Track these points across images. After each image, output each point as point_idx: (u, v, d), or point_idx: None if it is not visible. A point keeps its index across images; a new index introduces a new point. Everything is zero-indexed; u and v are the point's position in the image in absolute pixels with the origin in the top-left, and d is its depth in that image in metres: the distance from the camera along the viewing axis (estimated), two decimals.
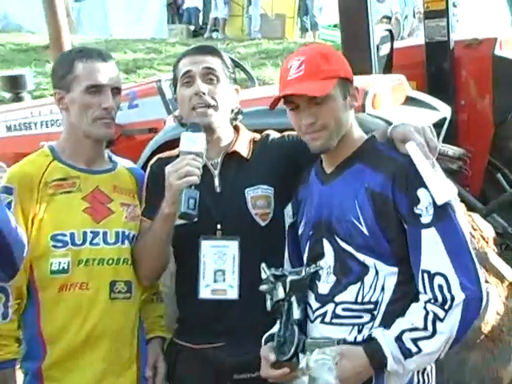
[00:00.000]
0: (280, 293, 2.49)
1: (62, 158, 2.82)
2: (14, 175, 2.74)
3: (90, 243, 2.75)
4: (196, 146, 2.63)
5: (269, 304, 2.52)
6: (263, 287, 2.52)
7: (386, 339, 2.32)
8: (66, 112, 2.84)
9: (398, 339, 2.30)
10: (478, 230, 3.50)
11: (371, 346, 2.34)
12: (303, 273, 2.51)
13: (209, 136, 2.71)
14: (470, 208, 3.65)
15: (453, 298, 2.28)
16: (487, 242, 3.52)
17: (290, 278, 2.49)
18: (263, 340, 2.60)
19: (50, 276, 2.71)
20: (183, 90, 2.78)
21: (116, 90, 2.82)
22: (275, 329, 2.55)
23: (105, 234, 2.78)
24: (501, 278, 3.47)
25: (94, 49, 3.02)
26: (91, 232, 2.75)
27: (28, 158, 2.86)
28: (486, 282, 3.35)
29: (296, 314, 2.49)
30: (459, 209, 3.27)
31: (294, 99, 2.47)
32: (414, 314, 2.32)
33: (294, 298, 2.49)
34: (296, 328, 2.47)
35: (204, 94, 2.73)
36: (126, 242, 2.81)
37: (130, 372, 2.84)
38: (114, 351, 2.79)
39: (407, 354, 2.30)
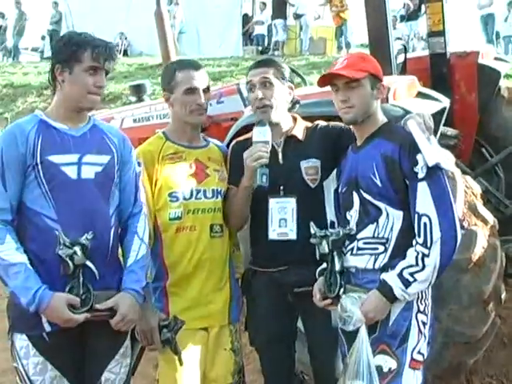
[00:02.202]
0: (325, 248, 2.49)
1: (171, 139, 2.86)
2: (140, 153, 2.77)
3: (195, 198, 2.78)
4: (264, 137, 2.66)
5: (317, 253, 2.55)
6: (312, 240, 2.54)
7: (390, 277, 2.36)
8: (171, 107, 2.88)
9: (400, 274, 2.32)
10: (469, 188, 3.43)
11: (381, 284, 2.38)
12: (341, 233, 2.50)
13: (272, 125, 2.74)
14: (463, 173, 3.56)
15: (431, 237, 2.29)
16: (476, 197, 3.44)
17: (331, 238, 2.50)
18: (317, 272, 2.61)
19: (169, 222, 2.76)
20: (250, 95, 2.81)
21: (206, 89, 2.82)
22: (324, 265, 2.56)
23: (204, 191, 2.81)
24: (485, 222, 3.39)
25: (189, 60, 3.08)
26: (195, 190, 2.78)
27: (148, 140, 2.91)
28: (475, 225, 3.31)
29: (337, 266, 2.50)
30: (458, 172, 3.23)
31: (336, 82, 2.50)
32: (409, 256, 2.33)
33: (335, 253, 2.50)
34: (338, 276, 2.48)
35: (262, 98, 2.74)
36: (219, 196, 2.84)
37: (225, 289, 2.89)
38: (213, 274, 2.84)
39: (406, 283, 2.32)
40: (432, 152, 2.36)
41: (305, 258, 2.70)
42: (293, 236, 2.76)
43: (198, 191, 2.81)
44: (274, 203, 2.78)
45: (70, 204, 2.39)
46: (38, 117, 2.47)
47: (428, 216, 2.34)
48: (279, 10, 17.12)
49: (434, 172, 2.37)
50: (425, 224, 2.34)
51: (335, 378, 2.71)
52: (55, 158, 2.39)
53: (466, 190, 3.38)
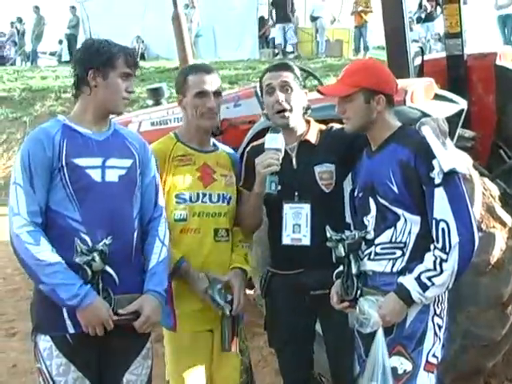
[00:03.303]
0: (341, 251, 2.49)
1: (182, 141, 2.88)
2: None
3: (201, 201, 2.79)
4: (276, 144, 2.65)
5: (334, 257, 2.54)
6: (329, 244, 2.53)
7: (408, 280, 2.36)
8: (184, 110, 2.89)
9: (417, 278, 2.32)
10: (487, 190, 3.41)
11: (399, 287, 2.38)
12: (356, 237, 2.50)
13: (287, 130, 2.74)
14: (480, 175, 3.55)
15: (450, 243, 2.28)
16: (494, 199, 3.43)
17: (347, 241, 2.49)
18: (334, 275, 2.61)
19: (174, 222, 2.75)
20: (267, 98, 2.78)
21: (217, 93, 2.83)
22: (341, 268, 2.56)
23: (210, 195, 2.81)
24: (503, 224, 3.38)
25: (200, 64, 3.12)
26: (201, 193, 2.79)
27: (160, 140, 2.92)
28: (493, 227, 3.30)
29: (354, 270, 2.50)
30: (475, 175, 3.22)
31: None
32: (427, 261, 2.33)
33: (352, 256, 2.50)
34: (355, 279, 2.48)
35: (282, 100, 2.73)
36: (225, 201, 2.84)
37: None
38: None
39: (424, 287, 2.32)
40: (447, 157, 2.35)
41: (320, 262, 2.70)
42: (306, 242, 2.75)
43: (204, 195, 2.82)
44: (288, 208, 2.77)
45: (94, 206, 2.42)
46: (61, 121, 2.51)
47: (446, 221, 2.33)
48: (284, 13, 17.24)
49: (451, 177, 2.36)
50: (443, 229, 2.33)
51: (353, 380, 2.71)
52: (80, 161, 2.43)
53: (484, 192, 3.36)
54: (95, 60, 2.47)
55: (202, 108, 2.82)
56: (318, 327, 2.98)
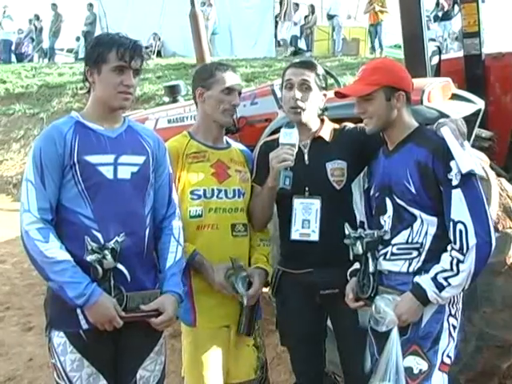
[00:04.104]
0: (359, 249, 2.49)
1: (196, 138, 2.91)
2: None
3: (217, 197, 2.81)
4: (291, 139, 2.67)
5: (351, 254, 2.54)
6: (346, 241, 2.53)
7: (424, 280, 2.36)
8: (202, 104, 2.91)
9: (434, 278, 2.32)
10: (504, 190, 3.38)
11: (415, 287, 2.38)
12: (375, 235, 2.50)
13: (301, 127, 2.75)
14: (497, 175, 3.52)
15: (467, 244, 2.28)
16: (511, 199, 3.39)
17: (366, 239, 2.49)
18: (348, 273, 2.61)
19: (189, 219, 2.77)
20: (285, 93, 2.80)
21: (239, 93, 2.89)
22: (356, 266, 2.57)
23: (226, 191, 2.83)
24: None
25: (226, 63, 3.11)
26: (217, 189, 2.81)
27: (174, 138, 2.94)
28: (510, 227, 3.27)
29: (371, 268, 2.50)
30: (492, 175, 3.20)
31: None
32: (444, 261, 2.33)
33: (369, 254, 2.50)
34: (371, 277, 2.49)
35: (298, 99, 2.74)
36: (241, 196, 2.85)
37: None
38: None
39: (440, 287, 2.33)
40: (465, 159, 2.35)
41: (328, 260, 2.71)
42: (315, 237, 2.75)
43: (220, 191, 2.84)
44: (298, 203, 2.78)
45: (106, 203, 2.42)
46: (74, 118, 2.51)
47: (463, 223, 2.33)
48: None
49: (468, 178, 2.36)
50: (460, 231, 2.33)
51: (365, 378, 2.71)
52: (92, 159, 2.42)
53: (501, 192, 3.34)
54: (90, 57, 2.47)
55: (226, 104, 2.87)
56: (329, 323, 2.98)
